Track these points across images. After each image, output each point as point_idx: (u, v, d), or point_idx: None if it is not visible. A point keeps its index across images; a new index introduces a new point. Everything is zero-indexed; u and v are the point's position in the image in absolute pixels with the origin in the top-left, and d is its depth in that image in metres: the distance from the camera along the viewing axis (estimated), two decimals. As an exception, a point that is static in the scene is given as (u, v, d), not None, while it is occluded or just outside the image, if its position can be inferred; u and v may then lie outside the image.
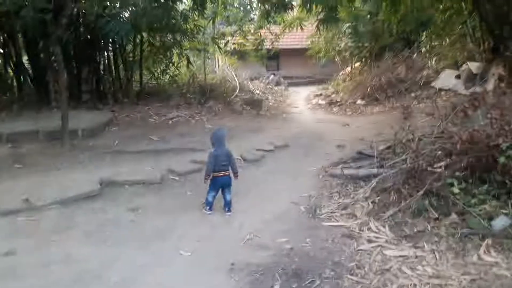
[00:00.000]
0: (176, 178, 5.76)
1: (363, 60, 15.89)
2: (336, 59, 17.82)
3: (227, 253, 3.72)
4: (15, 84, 9.86)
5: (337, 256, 3.55)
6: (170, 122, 8.55)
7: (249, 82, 17.19)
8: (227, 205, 4.70)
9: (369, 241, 3.79)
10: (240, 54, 15.53)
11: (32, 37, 8.53)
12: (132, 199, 5.08)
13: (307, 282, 3.16)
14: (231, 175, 4.75)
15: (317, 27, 10.39)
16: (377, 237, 3.84)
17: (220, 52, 13.99)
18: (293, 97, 17.39)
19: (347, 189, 5.24)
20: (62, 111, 6.41)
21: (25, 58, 10.23)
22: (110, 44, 10.71)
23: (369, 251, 3.61)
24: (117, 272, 3.39)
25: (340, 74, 17.93)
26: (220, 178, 4.65)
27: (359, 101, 12.85)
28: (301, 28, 13.27)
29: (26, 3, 7.11)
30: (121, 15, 8.93)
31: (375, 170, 5.39)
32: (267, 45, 15.75)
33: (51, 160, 6.08)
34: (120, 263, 3.56)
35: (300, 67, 23.00)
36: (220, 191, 4.72)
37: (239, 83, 15.04)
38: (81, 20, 9.66)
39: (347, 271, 3.29)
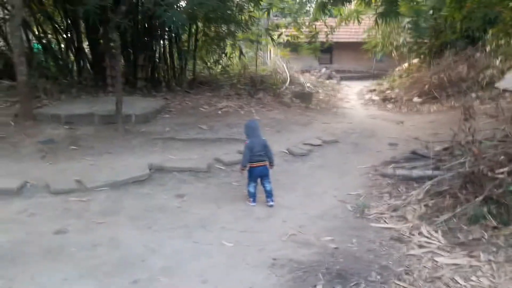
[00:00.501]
0: (223, 167, 5.76)
1: (422, 56, 15.22)
2: (393, 54, 17.20)
3: (269, 248, 3.65)
4: (75, 68, 10.30)
5: (385, 259, 3.38)
6: (220, 112, 8.57)
7: (300, 75, 17.00)
8: (269, 196, 4.68)
9: (420, 246, 3.58)
10: (293, 46, 15.33)
11: (93, 23, 8.83)
12: (179, 186, 5.14)
13: (351, 284, 3.02)
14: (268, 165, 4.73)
15: (376, 21, 10.02)
16: (428, 243, 3.62)
17: (273, 43, 13.87)
18: (345, 92, 17.00)
19: (399, 190, 5.01)
20: (117, 96, 6.59)
21: (85, 44, 10.65)
22: (166, 33, 10.90)
23: (419, 256, 3.41)
24: (161, 259, 3.42)
25: (397, 70, 17.30)
26: (256, 169, 4.63)
27: (415, 99, 12.31)
28: (358, 22, 12.89)
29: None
30: (178, 4, 9.02)
31: (430, 172, 5.12)
32: (321, 38, 15.44)
33: (104, 144, 6.28)
34: (164, 249, 3.59)
35: (354, 61, 22.48)
36: (259, 182, 4.71)
37: (290, 76, 14.89)
38: (139, 8, 9.88)
39: (395, 276, 3.12)
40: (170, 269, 3.27)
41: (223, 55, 13.03)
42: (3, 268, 3.14)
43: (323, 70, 21.01)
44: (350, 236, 3.84)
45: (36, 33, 9.94)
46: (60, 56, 10.16)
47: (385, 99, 13.34)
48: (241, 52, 12.37)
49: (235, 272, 3.26)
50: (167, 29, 10.41)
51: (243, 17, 11.09)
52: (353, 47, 21.09)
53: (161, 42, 11.18)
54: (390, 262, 3.33)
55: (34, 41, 10.29)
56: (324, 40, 15.14)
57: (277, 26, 13.78)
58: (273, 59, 17.47)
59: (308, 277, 3.14)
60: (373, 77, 19.69)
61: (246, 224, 4.19)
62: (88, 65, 10.31)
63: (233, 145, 6.62)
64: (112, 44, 6.99)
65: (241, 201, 4.78)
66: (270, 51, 18.93)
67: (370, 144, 7.72)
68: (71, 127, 6.72)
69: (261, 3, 11.12)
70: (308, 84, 15.71)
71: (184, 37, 11.49)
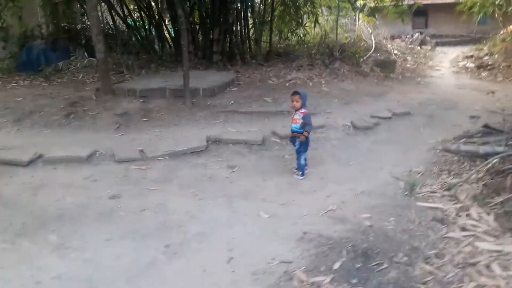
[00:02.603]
0: (278, 140, 5.78)
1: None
2: (496, 15, 15.34)
3: (303, 221, 3.66)
4: (157, 44, 10.92)
5: (418, 241, 3.19)
6: (288, 84, 8.51)
7: (388, 42, 16.01)
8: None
9: (463, 229, 3.31)
10: (378, 11, 14.44)
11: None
12: (233, 158, 5.30)
13: (373, 264, 2.93)
14: None
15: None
16: (474, 226, 3.32)
17: (354, 9, 13.17)
18: (437, 59, 15.72)
19: (461, 168, 4.62)
20: (184, 71, 6.89)
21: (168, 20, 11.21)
22: (241, 5, 10.97)
23: (458, 240, 3.16)
24: (197, 225, 3.62)
25: (501, 32, 15.43)
26: (309, 138, 4.71)
27: (514, 65, 10.97)
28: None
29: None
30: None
31: (500, 148, 4.59)
32: (409, -1, 14.25)
33: (172, 116, 6.66)
34: (202, 216, 3.79)
35: (453, 25, 20.51)
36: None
37: (376, 43, 14.13)
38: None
39: (423, 259, 2.94)
40: (202, 235, 3.46)
41: (300, 24, 12.75)
42: (61, 226, 3.60)
43: (416, 35, 19.51)
44: (389, 215, 3.67)
45: (120, 12, 10.64)
46: (142, 33, 10.81)
47: (480, 66, 12.04)
48: (316, 20, 11.97)
49: (262, 243, 3.34)
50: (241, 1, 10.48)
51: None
52: (451, 9, 19.19)
53: (236, 15, 11.27)
54: (423, 244, 3.14)
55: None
56: (412, 2, 13.95)
57: (358, -11, 13.01)
58: (358, 26, 16.68)
59: (332, 253, 3.11)
60: (474, 42, 17.86)
61: (289, 197, 4.22)
62: (169, 41, 10.84)
63: (294, 118, 6.59)
64: (181, 19, 7.22)
65: (290, 174, 4.80)
66: (356, 17, 18.04)
67: (448, 116, 7.15)
68: (145, 100, 7.22)
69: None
70: (396, 51, 14.80)
71: (260, 8, 11.46)
